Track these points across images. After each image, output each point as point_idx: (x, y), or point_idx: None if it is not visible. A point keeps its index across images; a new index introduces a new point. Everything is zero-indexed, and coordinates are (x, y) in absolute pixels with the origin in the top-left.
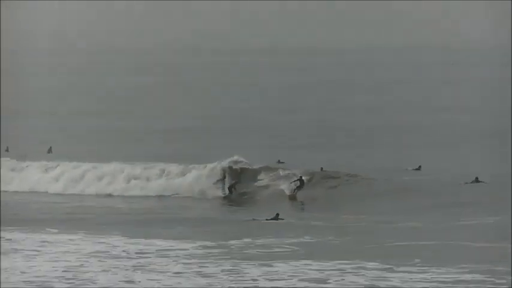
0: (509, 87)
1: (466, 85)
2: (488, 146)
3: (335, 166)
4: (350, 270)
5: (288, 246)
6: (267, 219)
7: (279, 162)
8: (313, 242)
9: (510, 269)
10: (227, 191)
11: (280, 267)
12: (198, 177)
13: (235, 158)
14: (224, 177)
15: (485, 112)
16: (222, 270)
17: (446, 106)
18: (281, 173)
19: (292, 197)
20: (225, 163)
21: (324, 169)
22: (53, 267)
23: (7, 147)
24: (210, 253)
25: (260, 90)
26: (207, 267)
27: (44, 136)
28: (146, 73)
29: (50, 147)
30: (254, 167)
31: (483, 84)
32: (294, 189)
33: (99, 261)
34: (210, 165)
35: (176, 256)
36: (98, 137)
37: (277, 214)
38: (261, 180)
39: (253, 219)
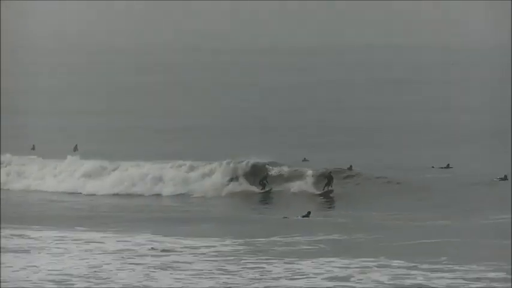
0: (510, 87)
1: (466, 85)
2: (489, 145)
3: (348, 165)
4: (375, 268)
5: (315, 244)
6: (299, 217)
7: (304, 160)
8: (341, 239)
9: None
10: (258, 187)
11: (304, 265)
12: (212, 176)
13: (247, 156)
14: (237, 176)
15: (486, 112)
16: (246, 268)
17: (451, 106)
18: (285, 169)
19: (324, 194)
20: (237, 162)
21: (352, 167)
22: (77, 265)
23: (33, 145)
24: (236, 251)
25: (260, 90)
26: (232, 264)
27: (68, 134)
28: (148, 72)
29: (76, 146)
30: (264, 161)
31: (483, 84)
32: (324, 186)
33: (124, 259)
34: (221, 164)
35: (202, 254)
36: (120, 136)
37: (309, 212)
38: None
39: (284, 218)
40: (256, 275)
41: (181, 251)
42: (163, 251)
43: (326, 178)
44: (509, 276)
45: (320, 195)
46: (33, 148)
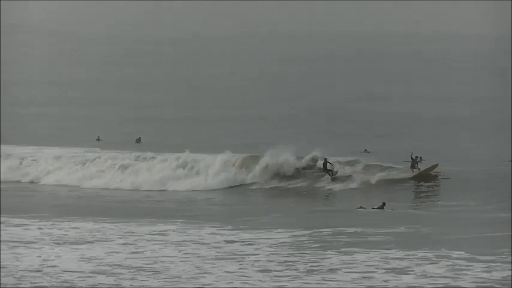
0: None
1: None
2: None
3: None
4: (433, 260)
5: (381, 236)
6: (373, 208)
7: (365, 151)
8: (408, 232)
9: None
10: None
11: (364, 256)
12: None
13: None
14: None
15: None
16: (304, 260)
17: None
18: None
19: (418, 177)
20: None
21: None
22: (133, 257)
23: (98, 136)
24: (298, 241)
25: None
26: (292, 255)
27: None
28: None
29: (139, 138)
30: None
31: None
32: (411, 168)
33: (187, 250)
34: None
35: (258, 247)
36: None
37: (384, 203)
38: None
39: (360, 207)
40: (314, 266)
41: (246, 242)
42: (226, 242)
43: (411, 158)
44: None
45: (412, 178)
46: (98, 139)
